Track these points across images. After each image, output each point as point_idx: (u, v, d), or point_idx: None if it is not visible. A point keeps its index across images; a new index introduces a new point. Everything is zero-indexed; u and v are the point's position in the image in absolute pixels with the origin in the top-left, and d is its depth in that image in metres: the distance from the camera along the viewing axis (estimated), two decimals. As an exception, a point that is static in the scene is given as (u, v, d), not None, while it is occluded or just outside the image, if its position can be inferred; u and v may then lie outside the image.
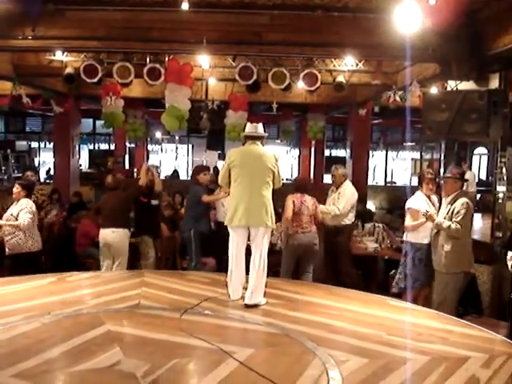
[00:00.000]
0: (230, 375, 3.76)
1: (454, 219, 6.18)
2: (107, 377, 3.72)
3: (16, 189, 7.37)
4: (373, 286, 8.34)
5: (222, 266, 7.09)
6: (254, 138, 5.88)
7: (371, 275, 8.97)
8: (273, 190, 5.87)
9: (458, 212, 6.19)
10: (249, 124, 6.04)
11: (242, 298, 5.65)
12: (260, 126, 5.94)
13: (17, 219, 7.19)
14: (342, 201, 8.19)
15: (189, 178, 24.83)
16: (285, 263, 7.68)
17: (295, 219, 7.46)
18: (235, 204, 5.70)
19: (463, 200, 6.26)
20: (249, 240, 5.84)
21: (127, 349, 4.17)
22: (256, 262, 5.67)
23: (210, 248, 8.25)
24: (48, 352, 4.05)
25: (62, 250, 9.44)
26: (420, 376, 3.86)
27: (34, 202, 8.37)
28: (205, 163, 25.60)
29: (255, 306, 5.51)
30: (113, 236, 7.73)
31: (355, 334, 4.74)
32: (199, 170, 8.34)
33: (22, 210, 7.21)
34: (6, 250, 7.32)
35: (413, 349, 4.39)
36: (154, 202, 8.55)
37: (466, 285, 6.45)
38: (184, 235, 8.08)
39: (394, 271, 8.46)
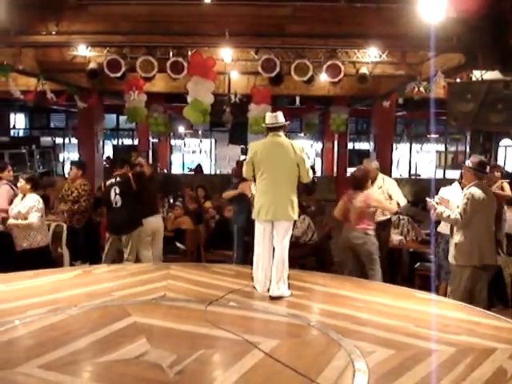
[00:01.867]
0: (255, 366, 3.77)
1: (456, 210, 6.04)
2: (133, 367, 3.75)
3: (20, 183, 7.35)
4: (398, 279, 8.29)
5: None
6: (276, 128, 5.77)
7: (396, 268, 8.91)
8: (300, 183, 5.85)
9: (461, 203, 6.04)
10: (268, 114, 5.91)
11: (268, 290, 5.65)
12: (280, 114, 5.81)
13: (26, 217, 7.19)
14: (397, 192, 8.03)
15: (213, 173, 25.03)
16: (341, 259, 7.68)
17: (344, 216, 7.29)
18: (261, 198, 5.72)
19: (468, 191, 6.02)
20: None
21: (153, 340, 4.20)
22: (279, 254, 5.66)
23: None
24: (74, 343, 4.10)
25: (87, 244, 9.50)
26: (447, 367, 3.83)
27: (76, 196, 8.48)
28: (227, 157, 25.69)
29: (280, 297, 5.51)
30: (160, 222, 8.25)
31: (381, 326, 4.71)
32: None
33: (31, 208, 7.21)
34: (17, 245, 7.32)
35: (439, 340, 4.35)
36: None
37: (492, 278, 6.30)
38: (232, 229, 8.27)
39: (419, 264, 8.42)
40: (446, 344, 4.28)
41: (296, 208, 5.73)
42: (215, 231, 9.71)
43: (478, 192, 5.98)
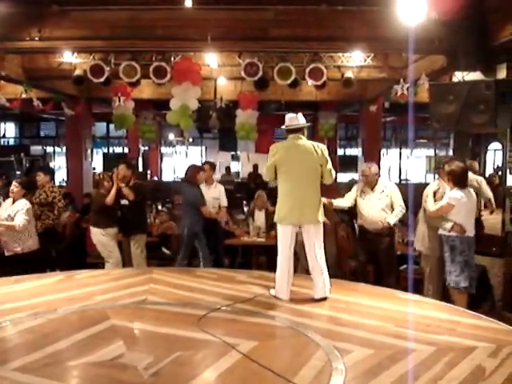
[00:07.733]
0: (232, 367, 3.76)
1: None
2: (109, 369, 3.72)
3: (16, 188, 7.33)
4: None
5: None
6: (296, 130, 5.58)
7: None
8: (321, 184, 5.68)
9: None
10: (287, 116, 5.68)
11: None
12: (300, 116, 5.64)
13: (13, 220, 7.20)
14: (398, 198, 7.74)
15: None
16: None
17: None
18: (286, 202, 5.53)
19: None
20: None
21: (131, 342, 4.19)
22: (318, 256, 5.54)
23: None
24: (51, 346, 4.07)
25: (73, 251, 9.47)
26: (425, 366, 3.82)
27: (43, 199, 8.35)
28: (218, 164, 25.64)
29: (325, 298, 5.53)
30: None
31: (362, 327, 4.70)
32: (198, 169, 8.11)
33: (19, 211, 7.20)
34: (5, 251, 7.28)
35: (420, 340, 4.35)
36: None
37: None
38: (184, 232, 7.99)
39: (405, 266, 8.38)
40: (425, 343, 4.27)
41: (322, 210, 5.61)
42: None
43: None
